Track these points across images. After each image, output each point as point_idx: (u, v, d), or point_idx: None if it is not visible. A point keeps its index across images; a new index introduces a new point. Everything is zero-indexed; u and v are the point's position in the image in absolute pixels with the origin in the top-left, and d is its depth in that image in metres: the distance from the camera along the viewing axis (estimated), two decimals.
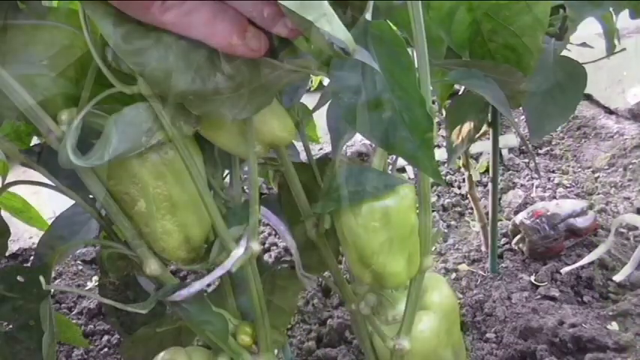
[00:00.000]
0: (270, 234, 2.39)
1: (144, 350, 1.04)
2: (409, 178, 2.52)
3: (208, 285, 0.71)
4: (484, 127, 1.71)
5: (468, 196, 2.33)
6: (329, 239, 0.91)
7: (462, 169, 2.54)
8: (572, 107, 1.21)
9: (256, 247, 0.71)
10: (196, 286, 0.70)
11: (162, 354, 0.81)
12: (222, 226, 0.68)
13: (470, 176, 1.91)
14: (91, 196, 0.75)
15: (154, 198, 0.67)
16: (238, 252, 0.70)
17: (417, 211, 0.79)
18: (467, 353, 1.67)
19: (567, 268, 1.49)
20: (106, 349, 1.96)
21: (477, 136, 1.67)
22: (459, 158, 1.93)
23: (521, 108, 1.27)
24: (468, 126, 1.59)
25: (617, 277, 1.20)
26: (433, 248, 2.13)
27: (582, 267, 1.90)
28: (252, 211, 0.70)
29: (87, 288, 2.27)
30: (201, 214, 0.70)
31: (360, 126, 0.63)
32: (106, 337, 2.01)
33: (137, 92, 0.61)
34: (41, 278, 0.68)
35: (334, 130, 0.81)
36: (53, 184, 0.74)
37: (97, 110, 0.64)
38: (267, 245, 2.30)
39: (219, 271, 0.69)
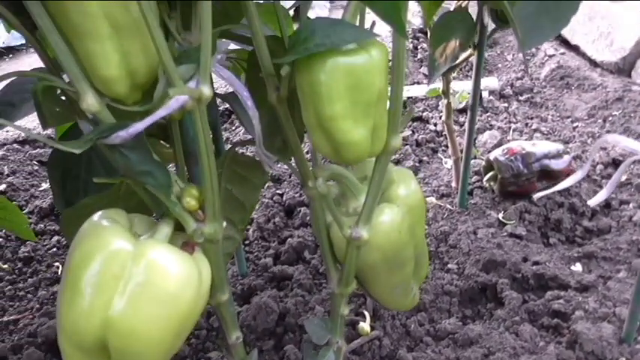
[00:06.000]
0: None
1: None
2: None
3: None
4: (469, 50, 1.64)
5: (444, 131, 2.27)
6: (294, 119, 0.83)
7: (439, 106, 2.48)
8: (566, 20, 1.14)
9: (207, 90, 0.63)
10: (137, 126, 0.62)
11: (99, 212, 0.73)
12: (168, 59, 0.60)
13: (448, 104, 1.84)
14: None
15: (93, 15, 0.58)
16: (185, 92, 0.61)
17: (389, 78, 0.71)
18: (427, 280, 1.63)
19: (540, 194, 1.44)
20: (54, 249, 1.88)
21: (461, 59, 1.60)
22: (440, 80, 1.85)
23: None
24: (453, 44, 1.51)
25: (592, 202, 1.15)
26: None
27: (552, 209, 1.86)
28: (205, 49, 0.61)
29: (41, 189, 2.18)
30: (146, 44, 0.62)
31: None
32: (56, 238, 1.93)
33: None
34: None
35: None
36: None
37: None
38: None
39: (162, 112, 0.61)
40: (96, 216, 0.73)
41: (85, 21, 0.59)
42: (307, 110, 0.72)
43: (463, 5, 1.65)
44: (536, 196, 1.51)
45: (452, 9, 1.64)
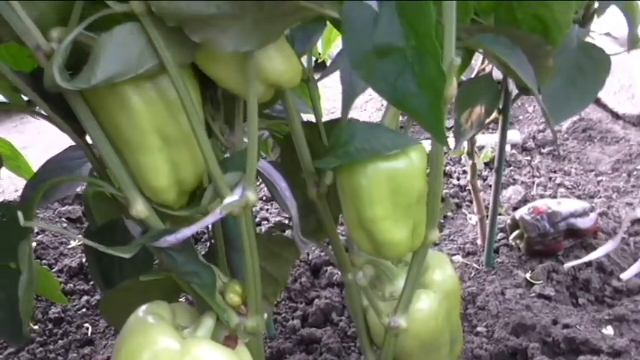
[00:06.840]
0: (261, 208, 2.34)
1: (127, 306, 0.98)
2: None
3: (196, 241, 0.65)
4: (494, 114, 1.65)
5: (468, 186, 2.28)
6: (330, 203, 0.85)
7: (462, 160, 2.49)
8: (594, 93, 1.16)
9: (252, 196, 0.65)
10: (185, 232, 0.64)
11: (144, 306, 0.75)
12: (215, 169, 0.62)
13: (474, 165, 1.85)
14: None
15: (144, 129, 0.61)
16: (232, 199, 0.64)
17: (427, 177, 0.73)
18: None
19: (570, 264, 1.44)
20: (84, 310, 1.90)
21: (487, 121, 1.62)
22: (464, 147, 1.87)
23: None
24: (478, 110, 1.54)
25: (624, 276, 1.15)
26: None
27: (580, 269, 1.85)
28: (250, 157, 0.64)
29: (70, 246, 2.21)
30: (195, 154, 0.65)
31: (367, 75, 0.58)
32: (85, 298, 1.95)
33: (129, 11, 0.55)
34: (19, 213, 0.62)
35: (347, 83, 0.75)
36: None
37: (91, 33, 0.58)
38: (258, 219, 2.25)
39: (210, 218, 0.64)
40: (141, 311, 0.74)
41: (136, 135, 0.62)
42: (348, 210, 0.74)
43: (487, 70, 1.68)
44: (567, 265, 1.51)
45: (473, 75, 1.66)
